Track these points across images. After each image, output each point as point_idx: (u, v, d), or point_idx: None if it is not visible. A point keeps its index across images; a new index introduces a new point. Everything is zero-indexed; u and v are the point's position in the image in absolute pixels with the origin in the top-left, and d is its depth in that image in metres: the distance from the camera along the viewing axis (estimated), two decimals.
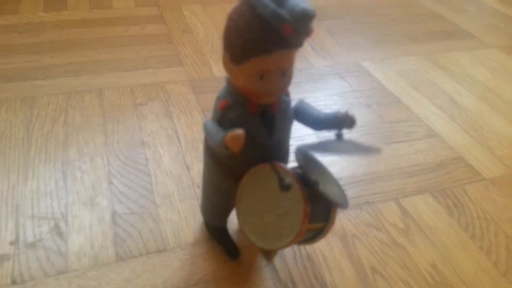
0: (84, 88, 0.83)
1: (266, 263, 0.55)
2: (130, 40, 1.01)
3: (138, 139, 0.73)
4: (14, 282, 0.50)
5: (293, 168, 0.44)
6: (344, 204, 0.43)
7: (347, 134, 0.44)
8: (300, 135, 0.74)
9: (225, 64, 0.40)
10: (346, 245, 0.58)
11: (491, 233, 0.62)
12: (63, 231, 0.56)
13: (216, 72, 0.92)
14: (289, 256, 0.56)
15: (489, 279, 0.56)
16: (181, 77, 0.89)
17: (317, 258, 0.56)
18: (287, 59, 0.38)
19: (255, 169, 0.44)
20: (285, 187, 0.41)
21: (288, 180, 0.41)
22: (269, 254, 0.56)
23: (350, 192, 0.66)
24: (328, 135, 0.46)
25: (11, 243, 0.54)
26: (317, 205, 0.43)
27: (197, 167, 0.68)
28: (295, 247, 0.57)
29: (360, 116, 0.82)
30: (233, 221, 0.57)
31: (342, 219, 0.61)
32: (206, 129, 0.43)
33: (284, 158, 0.48)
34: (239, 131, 0.37)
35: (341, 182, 0.47)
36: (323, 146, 0.43)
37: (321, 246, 0.57)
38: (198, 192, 0.64)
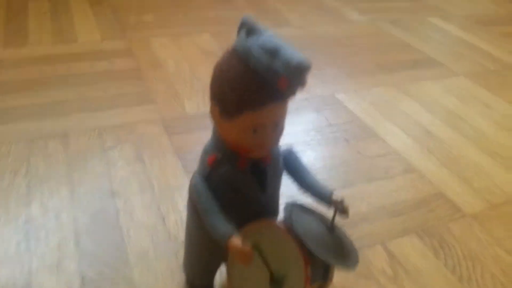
0: (48, 133, 0.78)
1: None
2: (97, 77, 0.97)
3: (108, 189, 0.68)
4: None
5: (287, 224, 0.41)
6: (348, 265, 0.39)
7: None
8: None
9: (214, 117, 0.38)
10: None
11: (478, 274, 0.61)
12: None
13: (190, 110, 0.89)
14: None
15: None
16: (152, 116, 0.86)
17: None
18: (281, 111, 0.37)
19: (248, 228, 0.41)
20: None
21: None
22: None
23: None
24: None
25: None
26: (315, 263, 0.39)
27: (173, 217, 0.64)
28: None
29: (338, 152, 0.81)
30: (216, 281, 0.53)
31: None
32: (198, 196, 0.39)
33: (276, 211, 0.46)
34: (248, 249, 0.35)
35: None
36: (309, 223, 0.40)
37: None
38: (176, 246, 0.60)
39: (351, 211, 0.68)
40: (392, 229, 0.66)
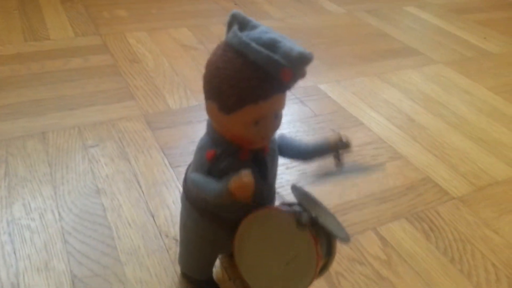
0: (25, 133, 0.75)
1: None
2: (73, 74, 0.94)
3: (92, 187, 0.66)
4: None
5: (290, 207, 0.41)
6: (345, 237, 0.40)
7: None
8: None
9: (212, 114, 0.37)
10: (332, 285, 0.55)
11: (469, 255, 0.62)
12: None
13: (172, 105, 0.87)
14: None
15: None
16: (134, 112, 0.83)
17: None
18: (282, 102, 0.36)
19: (253, 216, 0.40)
20: (302, 224, 0.38)
21: (305, 217, 0.38)
22: None
23: None
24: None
25: None
26: (321, 241, 0.40)
27: (163, 214, 0.62)
28: None
29: None
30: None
31: None
32: (195, 182, 0.38)
33: (273, 200, 0.45)
34: (246, 177, 0.34)
35: None
36: (326, 172, 0.41)
37: None
38: (167, 242, 0.58)
39: (341, 200, 0.68)
40: (382, 215, 0.67)
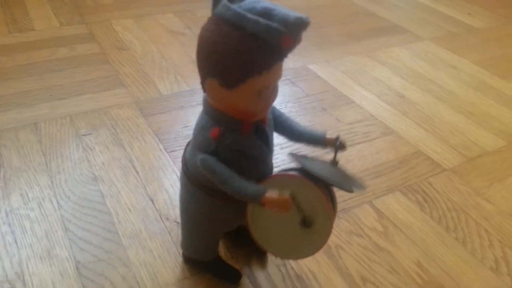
0: (16, 124, 0.74)
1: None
2: (60, 64, 0.92)
3: (89, 175, 0.66)
4: None
5: (294, 170, 0.42)
6: (359, 186, 0.42)
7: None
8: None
9: (213, 92, 0.36)
10: (332, 258, 0.56)
11: (463, 223, 0.63)
12: None
13: (163, 90, 0.86)
14: (278, 278, 0.53)
15: (470, 268, 0.57)
16: (125, 99, 0.83)
17: (306, 277, 0.54)
18: (281, 69, 0.37)
19: (265, 183, 0.41)
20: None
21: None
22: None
23: None
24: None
25: None
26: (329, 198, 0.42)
27: (162, 197, 0.63)
28: (282, 269, 0.54)
29: (318, 120, 0.81)
30: None
31: None
32: (211, 168, 0.38)
33: (273, 167, 0.46)
34: (287, 197, 0.36)
35: None
36: (317, 166, 0.41)
37: (308, 263, 0.55)
38: (168, 225, 0.59)
39: None
40: (377, 188, 0.68)
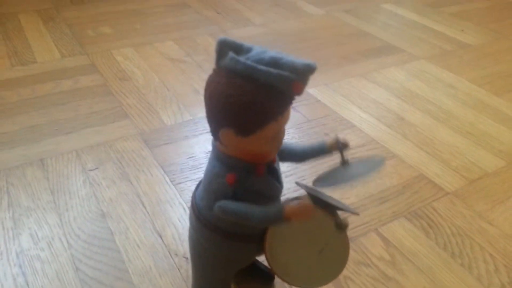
0: (23, 161, 0.75)
1: None
2: (64, 97, 0.94)
3: (97, 211, 0.66)
4: None
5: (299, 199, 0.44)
6: (354, 211, 0.44)
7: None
8: None
9: (228, 140, 0.38)
10: None
11: (468, 248, 0.64)
12: None
13: (167, 121, 0.88)
14: None
15: None
16: (130, 131, 0.84)
17: None
18: (290, 111, 0.39)
19: None
20: (342, 227, 0.43)
21: (344, 220, 0.43)
22: None
23: None
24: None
25: None
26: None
27: (170, 232, 0.63)
28: None
29: None
30: None
31: None
32: (230, 210, 0.39)
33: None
34: (305, 203, 0.37)
35: None
36: (333, 177, 0.43)
37: None
38: (178, 260, 0.59)
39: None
40: (382, 215, 0.69)
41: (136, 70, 1.06)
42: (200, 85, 1.01)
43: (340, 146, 0.45)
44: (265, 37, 1.26)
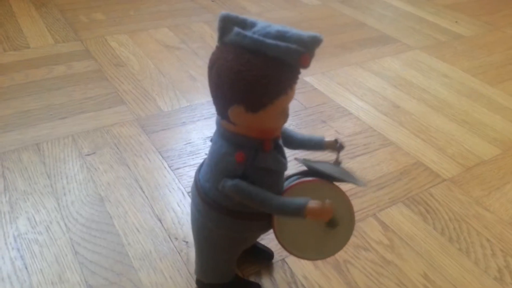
0: (19, 145, 0.74)
1: None
2: (58, 83, 0.92)
3: (95, 196, 0.66)
4: None
5: (304, 174, 0.45)
6: (362, 182, 0.45)
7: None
8: None
9: (238, 117, 0.37)
10: (341, 273, 0.57)
11: (465, 233, 0.65)
12: None
13: (164, 107, 0.87)
14: None
15: (475, 278, 0.58)
16: (126, 117, 0.83)
17: None
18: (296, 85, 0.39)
19: (289, 191, 0.43)
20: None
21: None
22: None
23: None
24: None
25: None
26: None
27: (169, 216, 0.63)
28: (293, 286, 0.55)
29: (318, 133, 0.83)
30: None
31: None
32: (247, 192, 0.39)
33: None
34: (327, 207, 0.38)
35: None
36: (321, 166, 0.43)
37: (318, 279, 0.56)
38: (177, 244, 0.59)
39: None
40: (380, 201, 0.69)
41: (131, 56, 1.04)
42: (196, 72, 1.00)
43: (338, 147, 0.46)
44: None
